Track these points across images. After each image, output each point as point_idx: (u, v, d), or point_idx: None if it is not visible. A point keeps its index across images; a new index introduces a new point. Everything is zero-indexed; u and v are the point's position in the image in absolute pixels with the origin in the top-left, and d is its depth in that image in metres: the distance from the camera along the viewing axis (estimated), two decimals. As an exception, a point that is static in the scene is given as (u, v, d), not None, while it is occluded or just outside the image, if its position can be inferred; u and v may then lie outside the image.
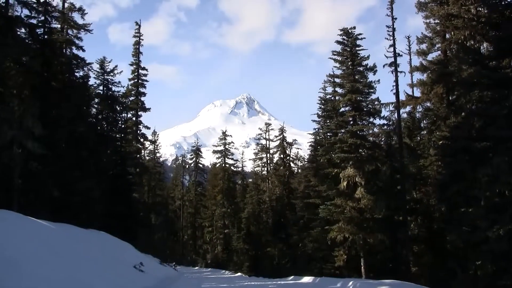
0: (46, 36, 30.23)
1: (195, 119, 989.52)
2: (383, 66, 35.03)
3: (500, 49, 23.71)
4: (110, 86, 43.58)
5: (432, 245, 31.91)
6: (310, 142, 51.55)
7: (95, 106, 42.21)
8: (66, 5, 35.02)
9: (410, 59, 40.33)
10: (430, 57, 34.31)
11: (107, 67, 43.51)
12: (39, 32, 29.58)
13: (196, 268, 67.46)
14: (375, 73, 34.78)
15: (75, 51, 34.21)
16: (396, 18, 34.59)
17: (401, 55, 35.46)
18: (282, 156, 61.83)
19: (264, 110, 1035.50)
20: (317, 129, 50.01)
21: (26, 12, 27.49)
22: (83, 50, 34.00)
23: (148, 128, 53.44)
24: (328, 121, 45.89)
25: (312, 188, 44.00)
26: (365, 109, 34.76)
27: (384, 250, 33.70)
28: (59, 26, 33.64)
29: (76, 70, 33.97)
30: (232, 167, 71.28)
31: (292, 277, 34.98)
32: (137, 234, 43.50)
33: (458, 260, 27.27)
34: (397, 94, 35.20)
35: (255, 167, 70.79)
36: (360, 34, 34.90)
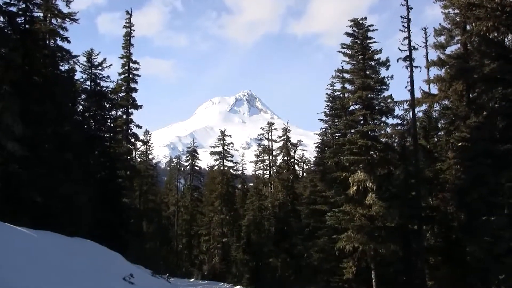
0: (27, 26, 30.02)
1: (191, 117, 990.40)
2: (397, 60, 34.86)
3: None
4: (98, 81, 43.48)
5: (450, 257, 31.74)
6: (316, 143, 51.41)
7: (82, 103, 42.10)
8: (49, -9, 34.89)
9: (427, 53, 40.27)
10: (449, 50, 34.25)
11: (95, 60, 43.41)
12: (19, 21, 29.42)
13: (192, 280, 67.22)
14: (388, 68, 34.62)
15: (59, 42, 34.09)
16: (411, 8, 34.48)
17: (417, 49, 35.32)
18: (286, 158, 61.65)
19: (267, 108, 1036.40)
20: (324, 129, 49.91)
21: (4, -2, 27.40)
22: (69, 42, 33.87)
23: (139, 127, 53.24)
24: (336, 120, 45.77)
25: (319, 194, 43.85)
26: (376, 108, 34.61)
27: (397, 261, 33.53)
28: (41, 14, 33.45)
29: (61, 64, 33.80)
30: (231, 170, 71.11)
31: (296, 290, 34.85)
32: (127, 243, 43.33)
33: (479, 273, 27.11)
34: (412, 91, 35.06)
35: (256, 170, 70.61)
36: (372, 25, 34.78)
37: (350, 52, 35.17)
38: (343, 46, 35.27)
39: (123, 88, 51.58)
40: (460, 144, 30.73)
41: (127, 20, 52.16)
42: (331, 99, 47.63)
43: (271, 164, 66.26)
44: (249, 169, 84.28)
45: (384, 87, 34.26)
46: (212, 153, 70.36)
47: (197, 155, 78.71)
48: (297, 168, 63.62)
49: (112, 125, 46.93)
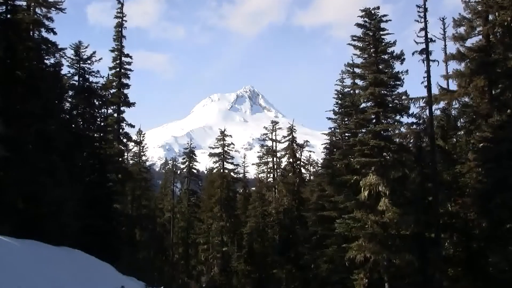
0: (8, 16, 29.92)
1: (189, 116, 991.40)
2: (412, 53, 34.71)
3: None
4: (87, 76, 43.35)
5: (471, 268, 31.58)
6: (324, 144, 51.24)
7: (69, 100, 41.97)
8: (33, -22, 34.74)
9: (445, 45, 40.00)
10: (469, 42, 34.04)
11: (83, 53, 43.27)
12: (0, 11, 29.31)
13: (189, 292, 67.19)
14: (403, 62, 34.50)
15: (44, 34, 33.95)
16: (429, -4, 34.37)
17: (434, 41, 35.17)
18: (291, 160, 61.52)
19: (270, 106, 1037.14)
20: (333, 129, 49.74)
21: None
22: (55, 33, 33.72)
23: (132, 126, 53.19)
24: (346, 119, 45.61)
25: (327, 199, 43.71)
26: (390, 105, 34.48)
27: (412, 273, 33.40)
28: (25, 3, 33.34)
29: (46, 57, 33.70)
30: (232, 173, 70.84)
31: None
32: (118, 253, 43.22)
33: (503, 285, 26.93)
34: (428, 87, 34.87)
35: (259, 173, 70.38)
36: (385, 15, 34.69)
37: (361, 45, 35.01)
38: (354, 38, 35.13)
39: (114, 84, 51.50)
40: (481, 144, 30.57)
41: (119, 10, 52.08)
42: (340, 96, 47.46)
43: (275, 167, 66.08)
44: (251, 172, 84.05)
45: (398, 82, 34.14)
46: (211, 155, 70.13)
47: (195, 157, 78.48)
48: (303, 171, 63.51)
49: (102, 124, 46.82)
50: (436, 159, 34.56)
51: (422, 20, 34.45)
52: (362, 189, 33.09)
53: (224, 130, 68.52)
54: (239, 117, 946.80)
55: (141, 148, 72.37)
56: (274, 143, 65.70)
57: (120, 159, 53.12)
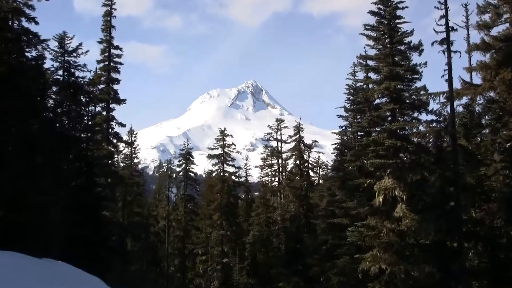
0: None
1: (185, 114, 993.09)
2: (432, 44, 34.65)
3: None
4: (73, 70, 43.25)
5: (498, 280, 31.54)
6: (335, 144, 51.10)
7: (53, 96, 41.88)
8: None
9: (468, 34, 39.92)
10: (495, 31, 33.83)
11: (68, 45, 43.15)
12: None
13: (186, 308, 67.22)
14: (421, 53, 34.41)
15: (25, 24, 33.79)
16: (450, -21, 34.30)
17: (456, 30, 35.10)
18: (298, 162, 61.44)
19: (275, 102, 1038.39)
20: (344, 127, 49.68)
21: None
22: (36, 23, 33.62)
23: (123, 125, 53.10)
24: (358, 116, 45.54)
25: (338, 205, 43.68)
26: (407, 101, 34.41)
27: (433, 286, 33.27)
28: (2, -11, 33.33)
29: (27, 49, 33.67)
30: (233, 177, 70.78)
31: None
32: (108, 264, 43.17)
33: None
34: (449, 81, 34.78)
35: (263, 177, 70.36)
36: (402, 1, 34.54)
37: (375, 35, 34.92)
38: (367, 27, 35.03)
39: (102, 79, 51.50)
40: (509, 144, 30.47)
41: (108, -4, 52.06)
42: (352, 91, 47.37)
43: (280, 170, 66.04)
44: (255, 175, 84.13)
45: (416, 76, 34.04)
46: (210, 157, 70.06)
47: (192, 159, 78.43)
48: (311, 174, 63.45)
49: (89, 123, 46.77)
50: (458, 161, 34.49)
51: (443, 6, 34.40)
52: (377, 193, 33.01)
53: (224, 129, 68.42)
54: (240, 115, 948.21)
55: (132, 149, 72.35)
56: (279, 143, 65.68)
57: (109, 161, 53.14)
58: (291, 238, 55.57)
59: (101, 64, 51.74)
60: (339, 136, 50.51)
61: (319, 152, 66.81)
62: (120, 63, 52.27)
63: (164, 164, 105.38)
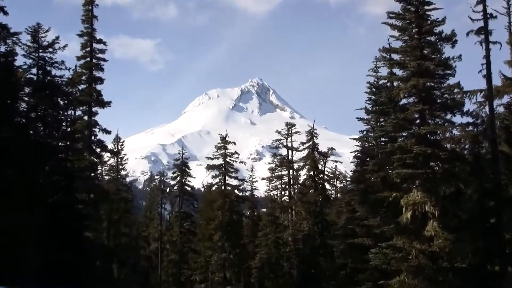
0: None
1: (180, 118, 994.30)
2: (467, 34, 34.64)
3: None
4: (49, 68, 43.35)
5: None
6: (354, 151, 51.14)
7: (26, 99, 41.99)
8: None
9: (510, 22, 39.75)
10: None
11: (43, 39, 43.26)
12: None
13: None
14: (455, 45, 34.40)
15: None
16: (487, -40, 34.34)
17: (496, 17, 35.11)
18: (312, 173, 61.45)
19: (284, 104, 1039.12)
20: (365, 132, 49.73)
21: None
22: (5, 13, 33.86)
23: (108, 132, 53.23)
24: (382, 119, 45.49)
25: (359, 222, 43.71)
26: (438, 101, 34.40)
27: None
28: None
29: (-5, 44, 33.80)
30: (236, 191, 70.81)
31: None
32: (91, 294, 43.28)
33: None
34: (488, 76, 34.74)
35: (271, 191, 70.30)
36: (431, -16, 34.58)
37: (400, 24, 34.94)
38: (391, 15, 35.03)
39: (83, 78, 51.57)
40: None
41: (87, -19, 52.20)
42: (374, 90, 47.35)
43: (291, 182, 65.98)
44: (261, 189, 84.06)
45: (449, 71, 34.03)
46: (209, 167, 70.17)
47: (189, 171, 78.58)
48: (327, 186, 63.50)
49: (69, 129, 46.80)
50: (499, 170, 34.40)
51: (480, -10, 34.39)
52: (404, 209, 32.97)
53: (226, 136, 68.56)
54: (244, 119, 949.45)
55: (119, 159, 72.43)
56: (290, 151, 65.67)
57: (92, 174, 53.17)
58: (305, 262, 55.55)
59: (82, 61, 51.82)
60: (360, 143, 50.56)
61: (336, 161, 66.75)
62: (104, 60, 52.38)
63: (156, 177, 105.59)
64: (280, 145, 66.81)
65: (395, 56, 37.20)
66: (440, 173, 33.45)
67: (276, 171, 68.02)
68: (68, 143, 46.42)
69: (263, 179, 72.21)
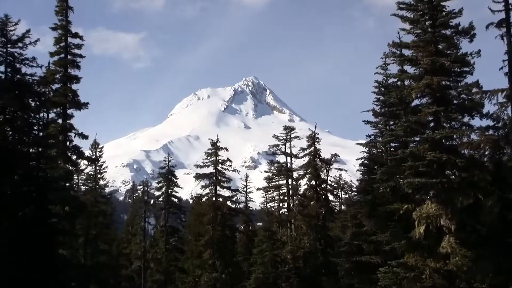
0: None
1: (166, 121, 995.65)
2: (486, 27, 34.68)
3: None
4: (18, 65, 43.30)
5: None
6: (361, 158, 51.17)
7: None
8: None
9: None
10: None
11: (12, 32, 43.21)
12: None
13: None
14: (473, 39, 34.41)
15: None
16: None
17: (518, 8, 35.07)
18: (313, 182, 61.46)
19: (282, 105, 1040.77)
20: (372, 137, 49.72)
21: None
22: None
23: (84, 137, 53.16)
24: (391, 122, 45.54)
25: (366, 238, 43.72)
26: (455, 102, 34.44)
27: None
28: None
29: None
30: (228, 202, 70.79)
31: None
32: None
33: None
34: (510, 74, 34.78)
35: (267, 202, 70.30)
36: (447, -28, 34.63)
37: (412, 16, 35.00)
38: (402, 5, 35.07)
39: (57, 76, 51.47)
40: None
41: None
42: (383, 89, 47.41)
43: (290, 193, 66.00)
44: (257, 200, 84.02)
45: (467, 69, 34.08)
46: (198, 176, 70.13)
47: (175, 180, 78.57)
48: (331, 197, 63.48)
49: (41, 134, 46.71)
50: (523, 179, 34.37)
51: (500, -22, 34.45)
52: (417, 223, 32.98)
53: (217, 141, 68.53)
54: (238, 122, 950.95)
55: (97, 168, 72.43)
56: (289, 158, 65.72)
57: (67, 184, 53.00)
58: (305, 282, 55.55)
59: (56, 58, 51.73)
60: (367, 148, 50.60)
61: (341, 169, 66.85)
62: (81, 56, 52.27)
63: (138, 187, 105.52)
64: (278, 152, 66.82)
65: (406, 52, 37.34)
66: (456, 183, 33.48)
67: (274, 180, 68.02)
68: (40, 149, 46.23)
69: (258, 189, 72.31)
